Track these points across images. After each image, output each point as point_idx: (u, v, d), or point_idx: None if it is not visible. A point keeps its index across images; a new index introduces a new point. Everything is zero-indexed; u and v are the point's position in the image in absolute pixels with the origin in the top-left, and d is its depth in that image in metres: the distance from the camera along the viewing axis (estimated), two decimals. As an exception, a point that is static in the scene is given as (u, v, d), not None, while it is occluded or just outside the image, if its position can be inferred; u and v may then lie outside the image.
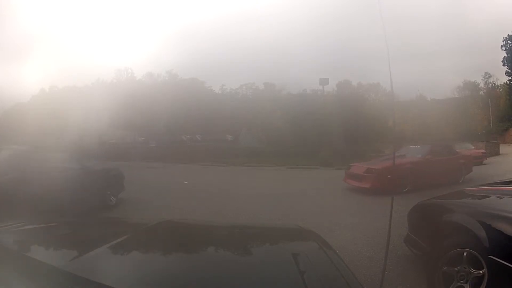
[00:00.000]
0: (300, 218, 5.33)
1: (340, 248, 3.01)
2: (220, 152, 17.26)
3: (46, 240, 1.48)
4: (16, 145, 6.16)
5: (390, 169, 8.09)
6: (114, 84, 21.84)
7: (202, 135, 21.24)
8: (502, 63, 19.77)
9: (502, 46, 19.47)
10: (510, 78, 20.03)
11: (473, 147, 14.33)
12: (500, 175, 8.29)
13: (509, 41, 19.28)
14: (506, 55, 19.46)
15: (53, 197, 4.49)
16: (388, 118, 16.80)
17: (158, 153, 17.11)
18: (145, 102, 18.53)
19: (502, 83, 20.74)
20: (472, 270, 2.39)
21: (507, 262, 2.07)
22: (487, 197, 3.02)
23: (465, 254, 2.46)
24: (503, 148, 16.80)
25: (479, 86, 21.43)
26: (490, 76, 21.15)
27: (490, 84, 21.34)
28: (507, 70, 19.89)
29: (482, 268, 2.29)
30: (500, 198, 2.90)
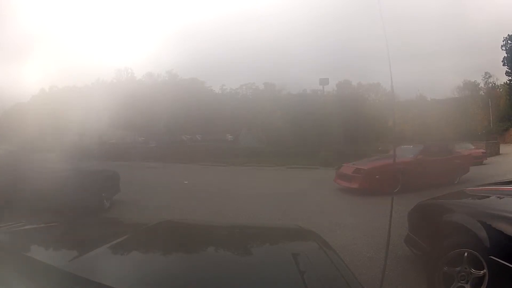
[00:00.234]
0: (300, 218, 5.32)
1: (340, 248, 3.01)
2: (220, 152, 17.25)
3: (46, 240, 1.48)
4: (3, 146, 6.03)
5: (379, 169, 8.07)
6: (114, 84, 21.84)
7: (202, 135, 21.24)
8: (502, 63, 19.76)
9: (502, 46, 19.46)
10: (510, 78, 20.03)
11: (473, 147, 14.33)
12: (500, 175, 8.29)
13: (509, 41, 19.27)
14: (506, 55, 19.46)
15: (40, 199, 4.35)
16: (388, 118, 16.78)
17: (158, 153, 17.11)
18: (145, 102, 18.53)
19: (502, 83, 20.74)
20: (473, 270, 2.39)
21: (507, 262, 2.07)
22: (488, 197, 3.02)
23: (465, 254, 2.46)
24: (503, 148, 16.80)
25: (479, 86, 21.43)
26: (490, 76, 21.15)
27: (490, 84, 21.34)
28: (507, 70, 19.89)
29: (483, 269, 2.29)
30: (500, 198, 2.90)
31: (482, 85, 21.41)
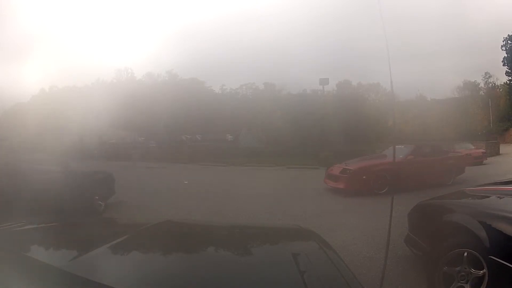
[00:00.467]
0: (300, 218, 5.33)
1: (340, 248, 3.01)
2: (220, 152, 17.25)
3: (46, 240, 1.48)
4: None
5: (366, 170, 8.03)
6: (114, 84, 21.82)
7: (202, 135, 21.23)
8: (502, 63, 19.75)
9: (502, 46, 19.45)
10: (510, 78, 20.02)
11: (473, 147, 14.34)
12: (500, 175, 8.27)
13: (509, 41, 19.26)
14: (506, 55, 19.44)
15: (26, 200, 4.15)
16: (388, 118, 16.80)
17: (158, 153, 17.12)
18: (145, 102, 18.52)
19: (502, 83, 20.73)
20: (473, 270, 2.39)
21: (507, 262, 2.07)
22: (487, 197, 3.02)
23: (465, 254, 2.46)
24: (503, 148, 16.79)
25: (479, 86, 21.41)
26: (490, 76, 21.13)
27: (490, 84, 21.33)
28: (507, 70, 19.88)
29: (483, 268, 2.29)
30: (500, 198, 2.90)
31: (482, 85, 21.39)
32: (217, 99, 22.48)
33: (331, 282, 1.18)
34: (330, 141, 14.94)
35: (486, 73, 21.08)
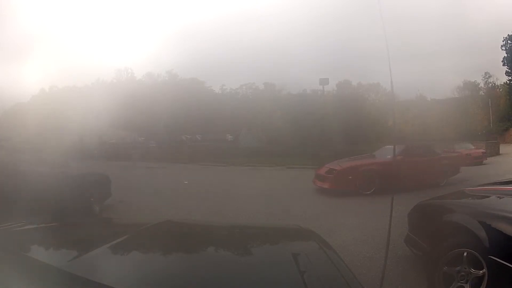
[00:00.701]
0: (300, 218, 5.33)
1: (340, 248, 3.01)
2: (220, 152, 17.25)
3: (46, 240, 1.48)
4: None
5: (352, 170, 8.00)
6: (114, 84, 21.82)
7: (202, 135, 21.22)
8: (502, 63, 19.75)
9: (502, 46, 19.44)
10: (510, 78, 20.02)
11: (473, 147, 14.35)
12: (500, 175, 8.27)
13: (509, 41, 19.25)
14: (506, 55, 19.43)
15: (18, 202, 4.06)
16: (388, 118, 16.79)
17: (158, 153, 17.12)
18: (145, 102, 18.51)
19: (502, 83, 20.73)
20: (473, 270, 2.39)
21: (507, 262, 2.07)
22: (487, 197, 3.02)
23: (465, 254, 2.46)
24: (503, 148, 16.79)
25: (479, 86, 21.40)
26: (490, 76, 21.12)
27: (490, 84, 21.32)
28: (507, 70, 19.87)
29: (482, 268, 2.30)
30: (500, 198, 2.91)
31: (482, 85, 21.38)
32: (217, 99, 22.47)
33: (331, 282, 1.18)
34: (330, 141, 14.95)
35: (486, 73, 21.07)
